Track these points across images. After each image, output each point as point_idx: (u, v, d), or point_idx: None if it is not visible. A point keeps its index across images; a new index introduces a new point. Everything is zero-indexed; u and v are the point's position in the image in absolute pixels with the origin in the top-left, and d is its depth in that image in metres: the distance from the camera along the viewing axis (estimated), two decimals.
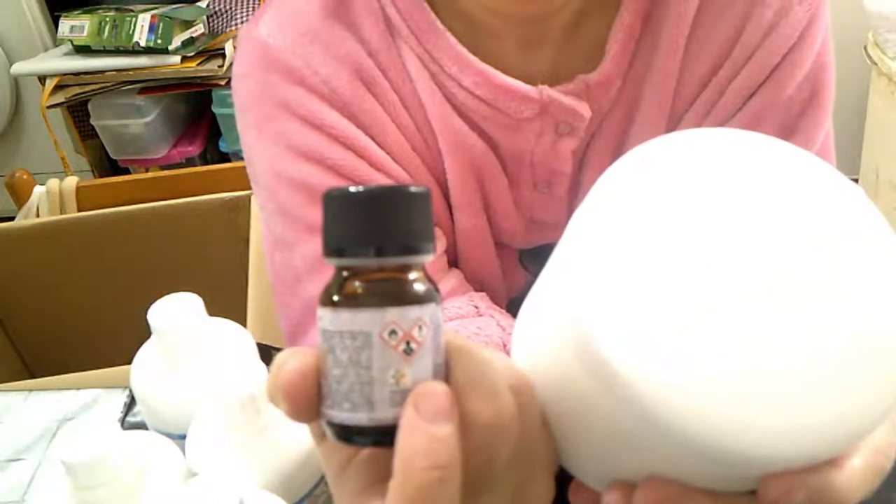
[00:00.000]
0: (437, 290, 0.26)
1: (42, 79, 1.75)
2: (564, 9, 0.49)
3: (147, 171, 1.84)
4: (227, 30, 1.81)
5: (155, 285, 0.60)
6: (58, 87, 1.71)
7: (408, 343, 0.24)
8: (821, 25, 0.50)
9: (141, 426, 0.56)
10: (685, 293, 0.25)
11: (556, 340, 0.28)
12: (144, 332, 0.51)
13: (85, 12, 1.75)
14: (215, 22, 1.83)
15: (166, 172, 1.20)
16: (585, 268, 0.26)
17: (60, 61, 1.74)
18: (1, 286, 1.08)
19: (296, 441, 0.45)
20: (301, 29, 0.51)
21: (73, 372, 0.72)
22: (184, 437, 0.47)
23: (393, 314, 0.24)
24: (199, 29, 1.76)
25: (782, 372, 0.25)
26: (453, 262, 0.57)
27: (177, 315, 0.50)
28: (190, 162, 1.87)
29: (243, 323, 0.58)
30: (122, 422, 0.65)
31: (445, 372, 0.26)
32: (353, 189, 0.25)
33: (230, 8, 1.84)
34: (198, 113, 1.95)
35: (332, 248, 0.25)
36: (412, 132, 0.53)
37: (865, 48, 1.70)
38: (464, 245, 0.56)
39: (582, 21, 0.51)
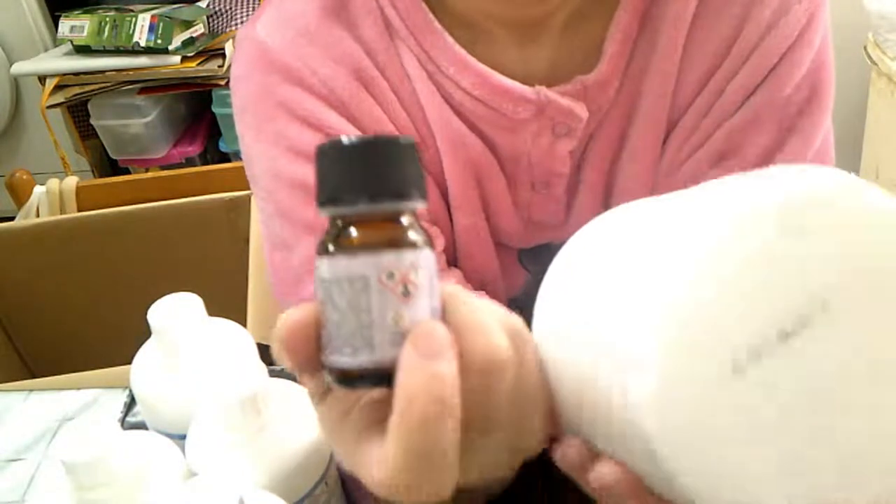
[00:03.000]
0: (429, 236, 0.27)
1: (42, 79, 1.75)
2: (561, 10, 0.50)
3: (147, 171, 1.84)
4: (227, 30, 1.81)
5: (155, 285, 0.60)
6: (58, 87, 1.71)
7: (405, 285, 0.25)
8: (820, 25, 0.50)
9: (141, 426, 0.56)
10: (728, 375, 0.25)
11: (591, 374, 0.28)
12: (144, 332, 0.51)
13: (85, 12, 1.75)
14: (215, 22, 1.83)
15: (166, 172, 1.20)
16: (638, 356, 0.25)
17: (60, 61, 1.74)
18: (1, 286, 1.08)
19: (296, 441, 0.45)
20: (299, 29, 0.51)
21: (73, 372, 0.72)
22: (184, 437, 0.47)
23: (390, 257, 0.25)
24: (199, 29, 1.76)
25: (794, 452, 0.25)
26: (453, 261, 0.58)
27: (177, 315, 0.50)
28: (190, 162, 1.87)
29: (243, 323, 0.58)
30: (122, 422, 0.65)
31: (442, 316, 0.27)
32: (344, 140, 0.26)
33: (230, 8, 1.84)
34: (198, 113, 1.95)
35: (326, 198, 0.26)
36: (410, 131, 0.53)
37: (865, 48, 1.70)
38: (463, 244, 0.56)
39: (579, 22, 0.51)
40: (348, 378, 0.26)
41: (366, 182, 0.25)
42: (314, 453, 0.45)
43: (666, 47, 0.50)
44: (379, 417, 0.27)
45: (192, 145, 1.88)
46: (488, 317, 0.27)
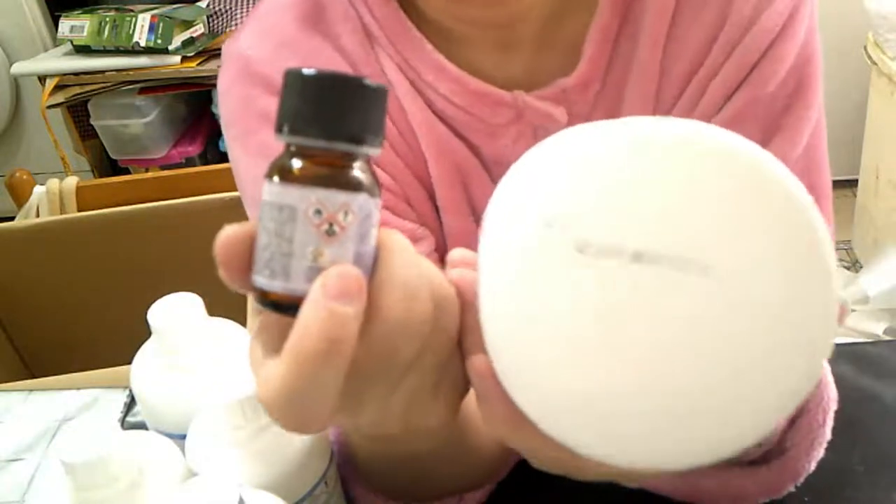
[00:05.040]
0: (377, 185, 0.27)
1: (42, 79, 1.75)
2: (535, 12, 0.49)
3: (147, 171, 1.84)
4: (227, 30, 1.81)
5: (155, 285, 0.60)
6: (58, 87, 1.71)
7: (330, 225, 0.26)
8: (804, 17, 0.49)
9: (141, 426, 0.56)
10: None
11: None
12: (144, 332, 0.51)
13: (85, 12, 1.75)
14: (215, 22, 1.83)
15: (166, 172, 1.20)
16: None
17: (60, 61, 1.74)
18: (1, 286, 1.08)
19: (296, 441, 0.45)
20: (279, 41, 0.52)
21: (73, 372, 0.72)
22: (184, 437, 0.47)
23: (320, 194, 0.26)
24: (199, 29, 1.76)
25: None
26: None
27: (177, 315, 0.50)
28: (190, 162, 1.87)
29: (243, 323, 0.58)
30: (122, 422, 0.65)
31: (372, 264, 0.27)
32: (309, 71, 0.26)
33: (230, 8, 1.84)
34: (198, 113, 1.95)
35: (280, 124, 0.26)
36: (394, 136, 0.53)
37: (865, 48, 1.70)
38: (454, 246, 0.57)
39: (558, 23, 0.50)
40: (264, 299, 0.27)
41: (319, 119, 0.26)
42: (314, 453, 0.45)
43: (647, 47, 0.49)
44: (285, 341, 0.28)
45: (192, 145, 1.88)
46: (417, 278, 0.28)
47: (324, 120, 0.26)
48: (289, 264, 0.26)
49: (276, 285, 0.26)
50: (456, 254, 0.32)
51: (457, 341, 0.31)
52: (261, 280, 0.27)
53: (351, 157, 0.26)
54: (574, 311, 0.26)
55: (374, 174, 0.27)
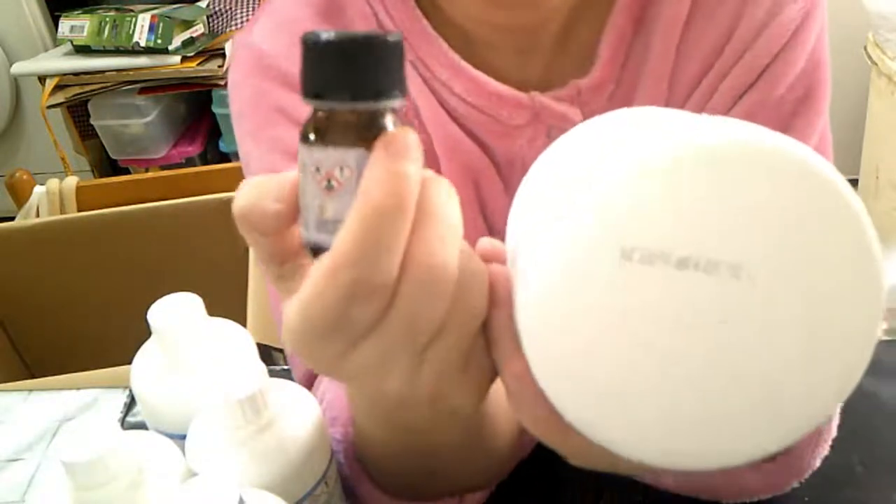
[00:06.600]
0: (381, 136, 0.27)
1: (42, 79, 1.75)
2: (556, 16, 0.49)
3: (147, 171, 1.84)
4: (227, 30, 1.81)
5: (155, 285, 0.60)
6: (58, 87, 1.71)
7: (329, 181, 0.27)
8: (815, 24, 0.49)
9: (141, 426, 0.56)
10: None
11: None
12: (144, 332, 0.51)
13: (85, 12, 1.75)
14: (215, 22, 1.83)
15: (166, 172, 1.20)
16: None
17: (60, 61, 1.74)
18: (1, 286, 1.08)
19: (296, 441, 0.45)
20: (294, 34, 0.51)
21: (73, 372, 0.72)
22: (184, 437, 0.47)
23: (317, 153, 0.27)
24: (199, 29, 1.76)
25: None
26: None
27: (177, 315, 0.50)
28: (190, 162, 1.87)
29: (243, 323, 0.58)
30: (122, 422, 0.65)
31: None
32: (312, 35, 0.26)
33: (230, 8, 1.84)
34: (198, 113, 1.95)
35: (300, 86, 0.27)
36: None
37: (865, 48, 1.70)
38: None
39: (574, 26, 0.51)
40: (304, 243, 0.28)
41: (316, 80, 0.26)
42: (314, 453, 0.45)
43: (660, 50, 0.50)
44: None
45: (192, 145, 1.88)
46: (451, 236, 0.28)
47: (320, 82, 0.26)
48: (307, 216, 0.28)
49: (302, 232, 0.28)
50: (485, 242, 0.32)
51: (482, 324, 0.30)
52: (300, 227, 0.28)
53: (353, 115, 0.27)
54: (616, 317, 0.26)
55: (381, 126, 0.27)
